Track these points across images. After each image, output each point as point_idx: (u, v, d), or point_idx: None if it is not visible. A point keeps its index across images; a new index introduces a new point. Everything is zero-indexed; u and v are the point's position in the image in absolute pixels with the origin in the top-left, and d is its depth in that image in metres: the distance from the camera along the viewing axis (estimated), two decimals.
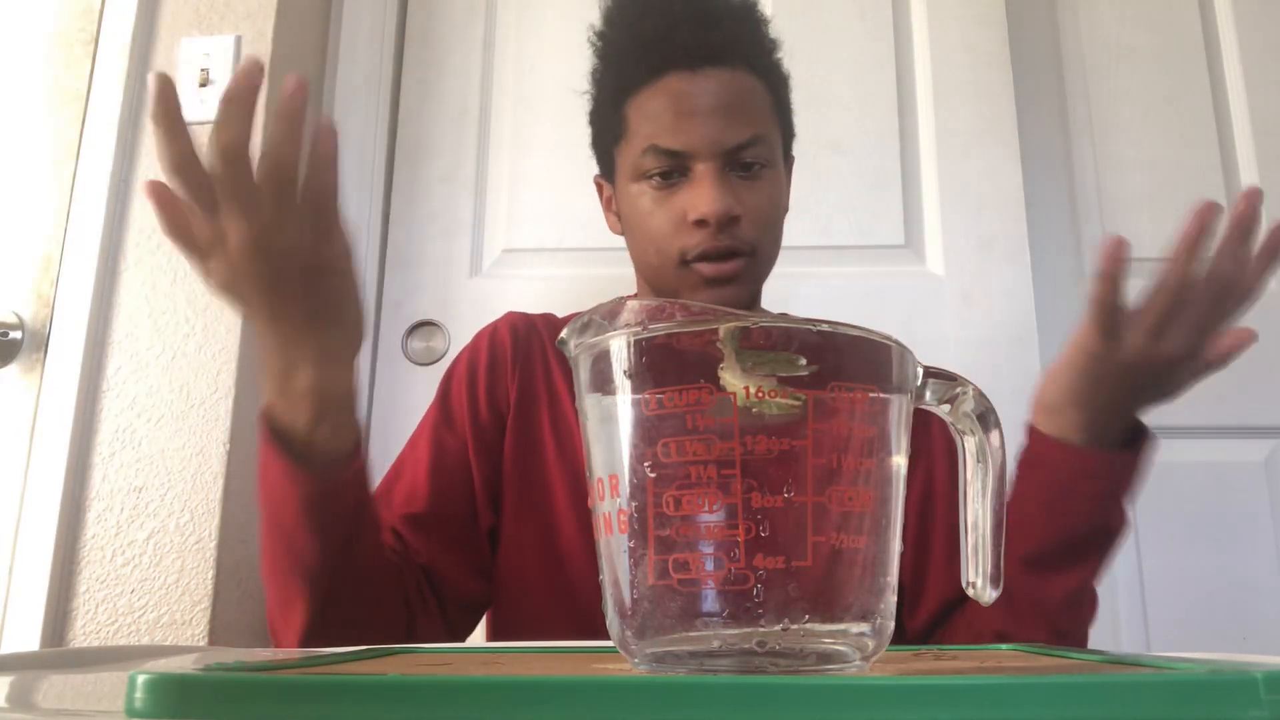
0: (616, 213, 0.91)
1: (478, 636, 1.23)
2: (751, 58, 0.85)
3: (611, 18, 0.89)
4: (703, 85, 0.82)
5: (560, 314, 1.00)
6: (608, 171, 0.92)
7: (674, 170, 0.83)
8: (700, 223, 0.81)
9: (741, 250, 0.83)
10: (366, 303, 0.68)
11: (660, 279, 0.87)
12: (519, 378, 0.91)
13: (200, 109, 1.29)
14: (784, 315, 0.35)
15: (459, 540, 0.85)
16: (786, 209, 0.92)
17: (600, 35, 0.90)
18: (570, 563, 0.85)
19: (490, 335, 0.94)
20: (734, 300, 0.84)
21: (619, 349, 0.33)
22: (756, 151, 0.83)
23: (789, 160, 0.93)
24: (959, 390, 0.37)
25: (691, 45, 0.82)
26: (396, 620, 0.77)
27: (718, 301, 0.80)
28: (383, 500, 0.84)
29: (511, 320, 0.95)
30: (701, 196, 0.81)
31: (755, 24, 0.88)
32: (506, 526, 0.88)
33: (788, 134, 0.91)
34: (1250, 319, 1.47)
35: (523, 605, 0.87)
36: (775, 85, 0.88)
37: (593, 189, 0.96)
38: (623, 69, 0.87)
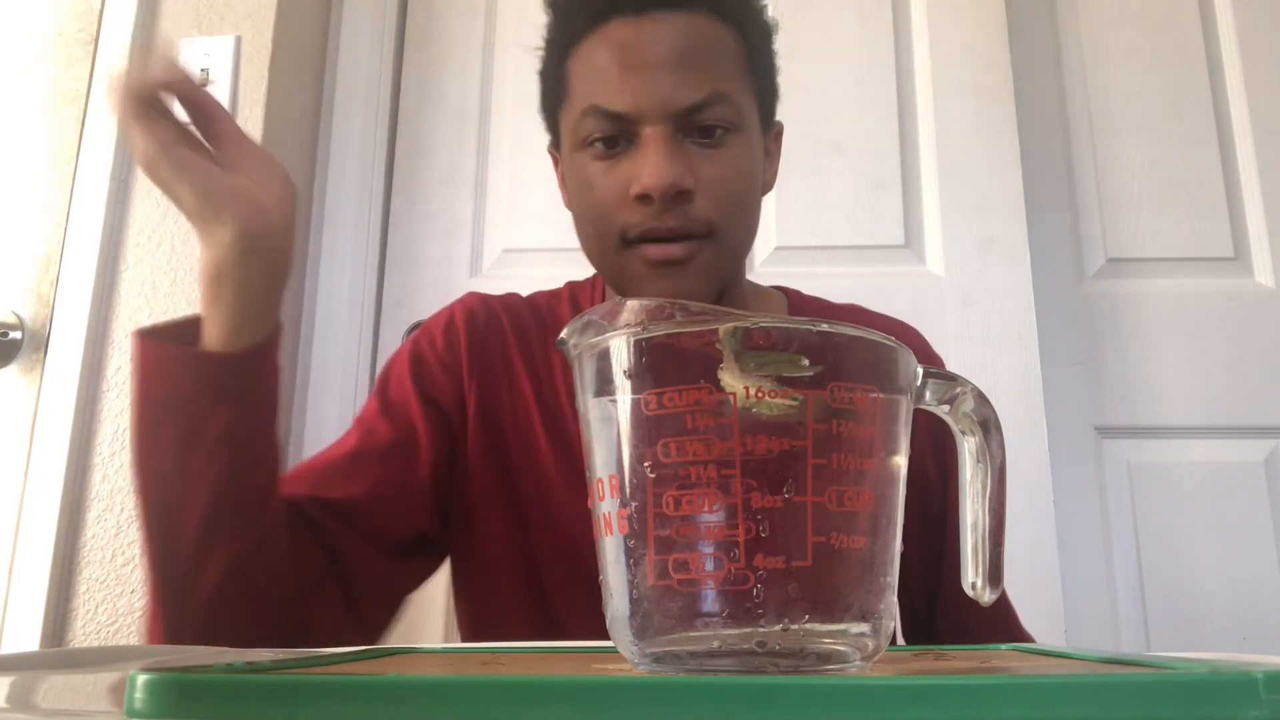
0: (566, 187, 0.80)
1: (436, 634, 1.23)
2: (716, 2, 0.72)
3: None
4: (651, 33, 0.69)
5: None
6: (555, 140, 0.80)
7: (619, 135, 0.70)
8: (643, 197, 0.69)
9: (694, 231, 0.70)
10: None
11: (603, 263, 0.76)
12: (477, 364, 0.82)
13: None
14: (793, 293, 0.34)
15: (375, 532, 0.74)
16: (768, 184, 0.79)
17: None
18: (552, 566, 0.78)
19: (445, 320, 0.84)
20: (689, 293, 0.70)
21: (619, 349, 0.33)
22: (717, 112, 0.70)
23: (771, 126, 0.80)
24: (959, 390, 0.37)
25: None
26: (292, 593, 0.68)
27: (668, 293, 0.67)
28: (301, 475, 0.75)
29: (469, 305, 0.85)
30: (645, 166, 0.68)
31: None
32: (478, 528, 0.81)
33: (767, 94, 0.78)
34: (1250, 319, 1.47)
35: (499, 611, 0.82)
36: (749, 34, 0.75)
37: (543, 77, 0.83)
38: (565, 18, 0.75)
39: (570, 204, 0.79)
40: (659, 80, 0.69)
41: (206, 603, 0.62)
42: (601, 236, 0.73)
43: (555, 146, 0.82)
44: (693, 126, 0.70)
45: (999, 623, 0.81)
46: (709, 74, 0.70)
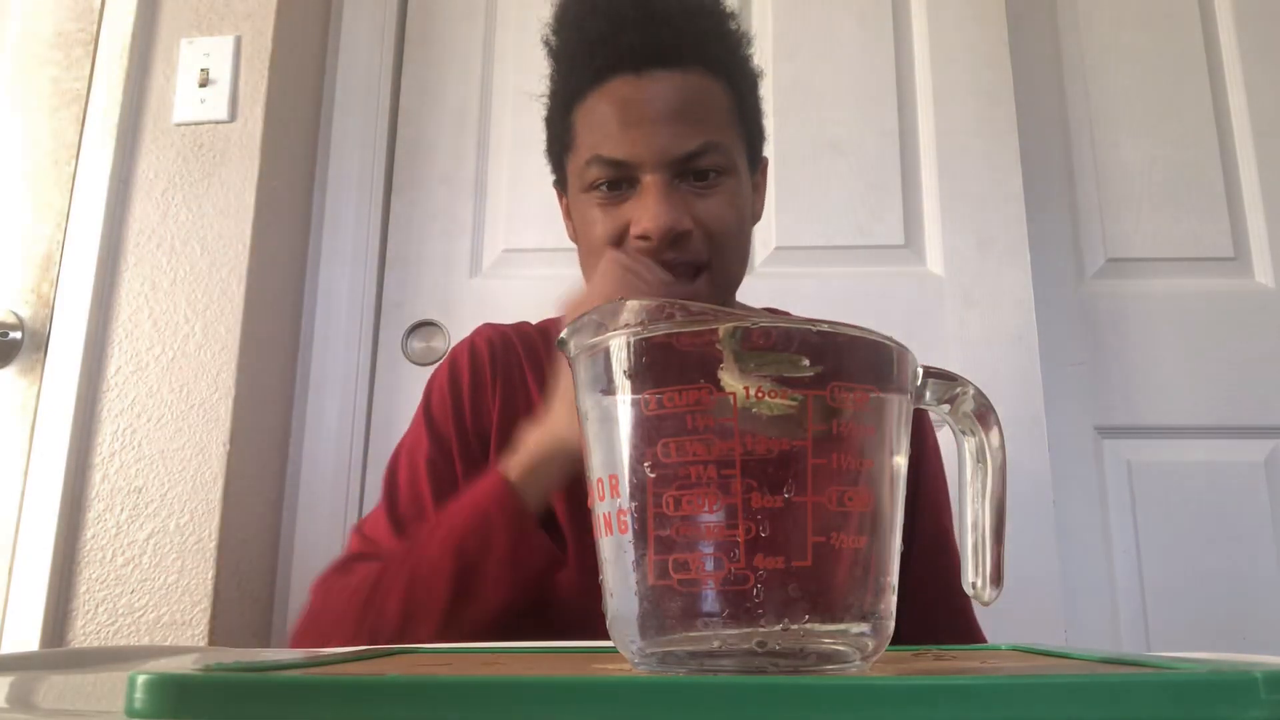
0: (571, 222, 0.87)
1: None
2: (707, 57, 0.78)
3: (560, 17, 0.83)
4: (649, 90, 0.76)
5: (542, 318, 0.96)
6: (561, 181, 0.87)
7: (621, 181, 0.77)
8: (644, 238, 0.75)
9: (692, 260, 0.76)
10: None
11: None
12: (500, 394, 0.87)
13: (200, 109, 1.29)
14: (784, 315, 0.34)
15: None
16: (756, 216, 0.86)
17: (546, 42, 0.85)
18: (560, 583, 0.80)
19: (469, 352, 0.89)
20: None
21: (619, 349, 0.33)
22: (710, 159, 0.76)
23: (759, 164, 0.87)
24: (959, 390, 0.37)
25: (637, 46, 0.76)
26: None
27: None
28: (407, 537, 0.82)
29: (488, 336, 0.91)
30: (645, 210, 0.75)
31: (713, 19, 0.81)
32: None
33: (754, 137, 0.85)
34: (1250, 319, 1.47)
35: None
36: (738, 85, 0.81)
37: (548, 126, 0.91)
38: (570, 73, 0.82)
39: (574, 238, 0.86)
40: (657, 132, 0.75)
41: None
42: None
43: (560, 186, 0.88)
44: (688, 172, 0.77)
45: (957, 620, 0.82)
46: (702, 125, 0.77)
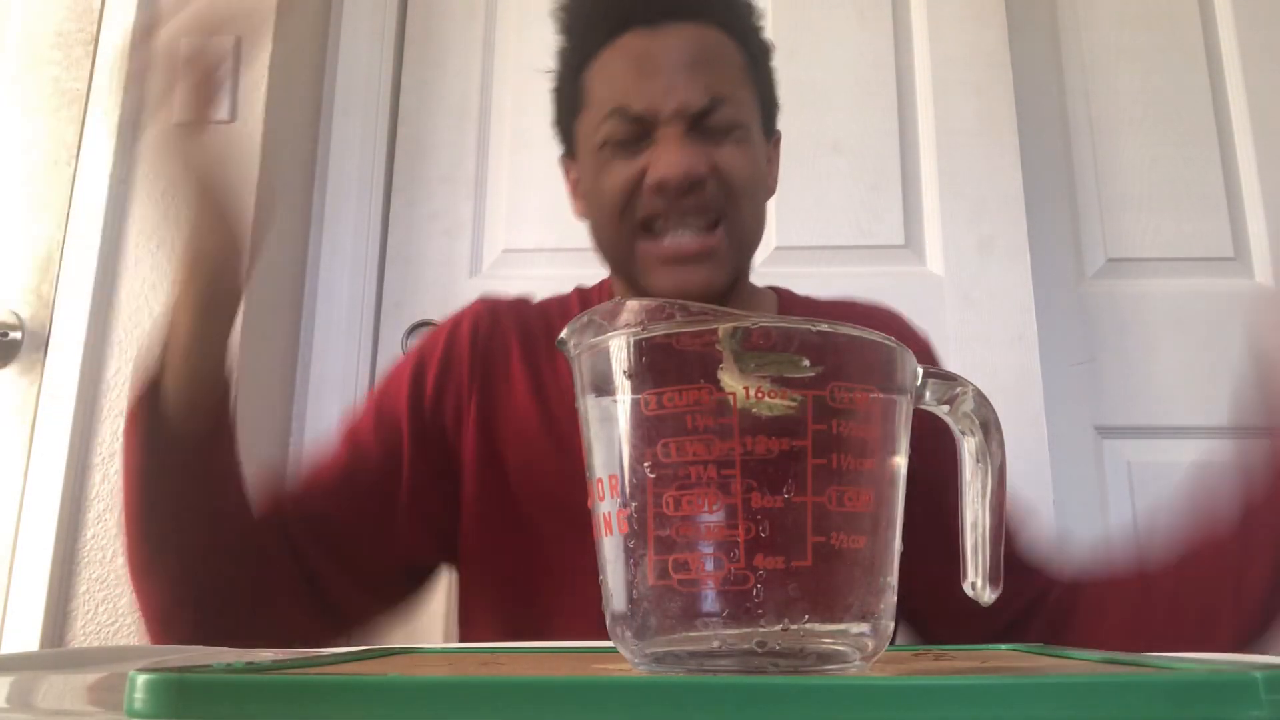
0: (581, 193, 0.84)
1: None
2: (721, 14, 0.79)
3: None
4: (665, 41, 0.76)
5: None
6: (570, 148, 0.86)
7: (637, 136, 0.76)
8: (660, 188, 0.74)
9: (708, 215, 0.75)
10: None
11: (615, 257, 0.80)
12: (479, 389, 0.83)
13: None
14: (787, 294, 0.34)
15: (355, 564, 0.77)
16: (770, 189, 0.85)
17: (561, 6, 0.84)
18: (555, 572, 0.79)
19: (448, 339, 0.86)
20: (705, 283, 0.76)
21: (619, 349, 0.34)
22: (725, 113, 0.76)
23: (772, 135, 0.86)
24: (959, 390, 0.37)
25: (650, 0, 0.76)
26: (256, 599, 0.73)
27: (682, 285, 0.75)
28: (293, 496, 0.78)
29: (476, 317, 0.87)
30: (662, 158, 0.74)
31: None
32: (478, 538, 0.82)
33: (768, 104, 0.84)
34: (1250, 319, 1.47)
35: (501, 618, 0.83)
36: (751, 47, 0.81)
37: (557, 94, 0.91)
38: (583, 33, 0.81)
39: (584, 210, 0.84)
40: (674, 84, 0.75)
41: (162, 585, 0.70)
42: (617, 228, 0.78)
43: (570, 155, 0.86)
44: (704, 125, 0.76)
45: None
46: (718, 79, 0.76)
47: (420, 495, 0.81)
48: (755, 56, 0.81)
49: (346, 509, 0.78)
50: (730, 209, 0.76)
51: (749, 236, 0.81)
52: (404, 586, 0.85)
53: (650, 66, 0.76)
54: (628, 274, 0.80)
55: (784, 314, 0.85)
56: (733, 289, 0.81)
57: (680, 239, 0.75)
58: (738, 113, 0.77)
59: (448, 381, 0.83)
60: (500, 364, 0.84)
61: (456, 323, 0.88)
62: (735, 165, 0.76)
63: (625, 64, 0.77)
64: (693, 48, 0.76)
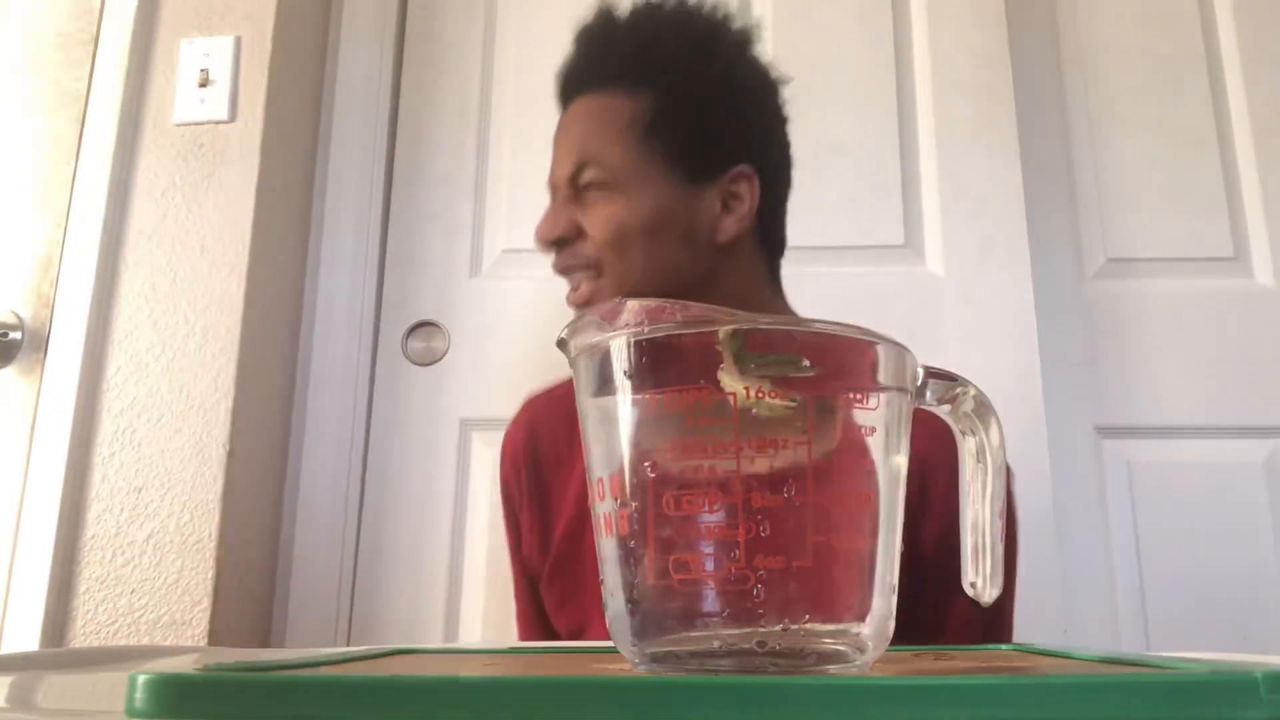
0: None
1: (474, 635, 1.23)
2: (634, 76, 0.84)
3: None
4: (567, 118, 0.87)
5: (560, 315, 1.02)
6: None
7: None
8: (540, 247, 0.87)
9: (580, 265, 0.85)
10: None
11: None
12: (533, 494, 0.94)
13: (200, 109, 1.29)
14: (783, 316, 0.34)
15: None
16: (722, 230, 0.85)
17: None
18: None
19: (508, 453, 0.98)
20: None
21: (619, 349, 0.33)
22: (586, 175, 0.84)
23: (714, 179, 0.85)
24: (959, 390, 0.37)
25: (574, 74, 0.86)
26: None
27: None
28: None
29: (526, 423, 0.98)
30: (540, 220, 0.87)
31: (662, 40, 0.85)
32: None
33: (692, 149, 0.84)
34: (1250, 319, 1.47)
35: None
36: (677, 97, 0.84)
37: None
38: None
39: None
40: (558, 157, 0.87)
41: None
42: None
43: None
44: (578, 188, 0.85)
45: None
46: (587, 146, 0.85)
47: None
48: (675, 106, 0.84)
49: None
50: (606, 259, 0.84)
51: (627, 278, 0.84)
52: None
53: (555, 142, 0.88)
54: None
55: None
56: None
57: (572, 293, 0.87)
58: (603, 173, 0.84)
59: (513, 490, 0.96)
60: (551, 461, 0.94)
61: (508, 433, 0.99)
62: (598, 220, 0.84)
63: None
64: (578, 122, 0.86)
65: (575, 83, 0.87)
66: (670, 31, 0.86)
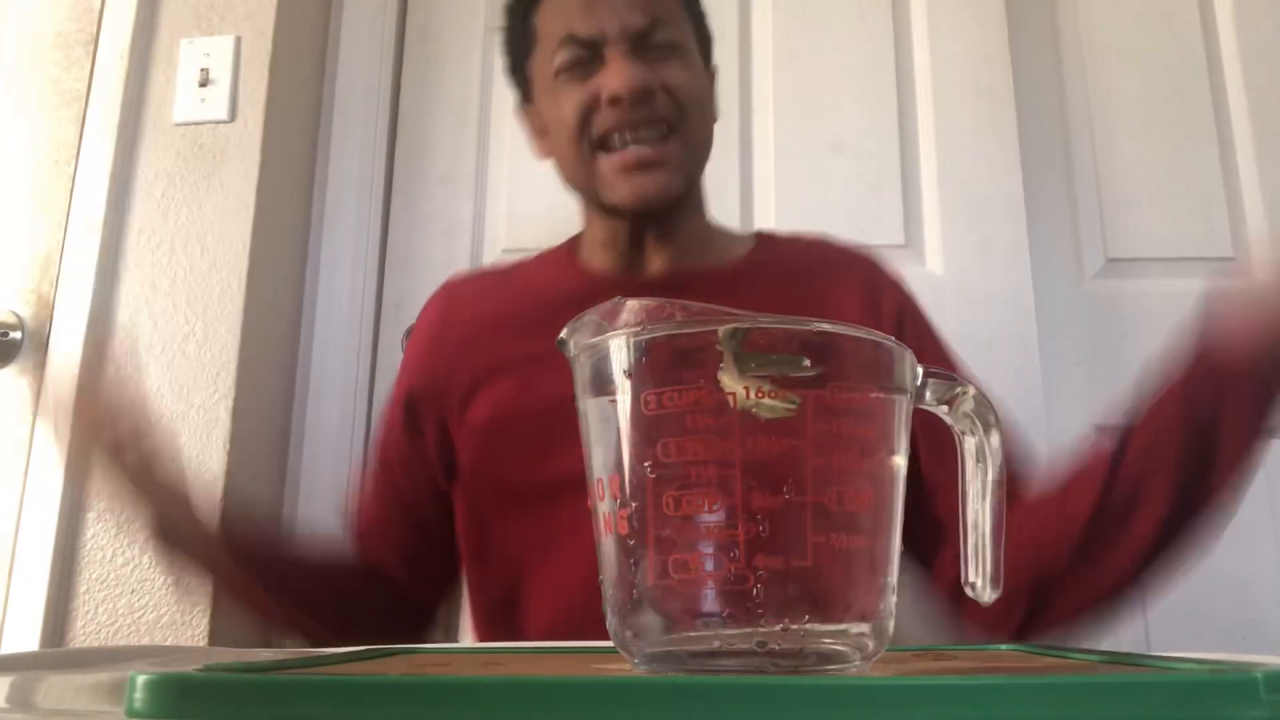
0: (541, 132, 0.91)
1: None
2: None
3: None
4: None
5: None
6: (526, 92, 0.92)
7: (588, 60, 0.84)
8: (615, 101, 0.81)
9: (654, 121, 0.82)
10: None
11: (576, 176, 0.87)
12: (462, 374, 0.91)
13: (200, 109, 1.29)
14: (783, 316, 0.34)
15: (413, 560, 0.92)
16: (714, 115, 0.91)
17: None
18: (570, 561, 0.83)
19: (425, 331, 0.97)
20: (660, 186, 0.83)
21: (619, 349, 0.34)
22: (665, 32, 0.84)
23: (710, 66, 0.92)
24: (959, 390, 0.37)
25: None
26: (382, 616, 0.89)
27: (640, 189, 0.82)
28: (357, 538, 0.93)
29: (446, 299, 0.99)
30: (614, 75, 0.81)
31: None
32: (486, 525, 0.89)
33: (703, 34, 0.91)
34: None
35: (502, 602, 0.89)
36: None
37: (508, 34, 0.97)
38: None
39: (546, 148, 0.91)
40: (615, 7, 0.83)
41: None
42: (577, 149, 0.85)
43: (526, 99, 0.93)
44: (648, 45, 0.83)
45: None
46: (655, 3, 0.84)
47: (435, 490, 0.92)
48: None
49: (392, 551, 0.91)
50: (680, 120, 0.84)
51: (699, 149, 0.88)
52: (450, 568, 0.94)
53: None
54: (591, 193, 0.87)
55: (761, 252, 0.95)
56: (687, 197, 0.89)
57: (638, 150, 0.82)
58: (677, 33, 0.85)
59: (433, 373, 0.93)
60: (484, 341, 0.92)
61: (425, 311, 0.99)
62: (680, 80, 0.84)
63: None
64: None
65: None
66: None
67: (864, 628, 0.33)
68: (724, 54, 1.23)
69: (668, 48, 0.84)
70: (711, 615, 0.31)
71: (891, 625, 0.34)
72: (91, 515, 1.17)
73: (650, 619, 0.32)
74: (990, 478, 0.38)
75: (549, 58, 0.85)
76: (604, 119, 0.82)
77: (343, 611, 0.87)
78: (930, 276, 1.38)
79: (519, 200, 1.46)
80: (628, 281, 0.88)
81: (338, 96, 1.48)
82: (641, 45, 0.83)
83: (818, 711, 0.24)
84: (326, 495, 1.34)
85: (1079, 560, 0.73)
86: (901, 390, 0.35)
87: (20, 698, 0.34)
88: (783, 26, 1.47)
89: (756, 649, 0.31)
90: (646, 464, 0.32)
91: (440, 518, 0.91)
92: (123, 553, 1.16)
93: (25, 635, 1.12)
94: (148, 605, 1.14)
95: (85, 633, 1.14)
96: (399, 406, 0.93)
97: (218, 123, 1.29)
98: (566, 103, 0.84)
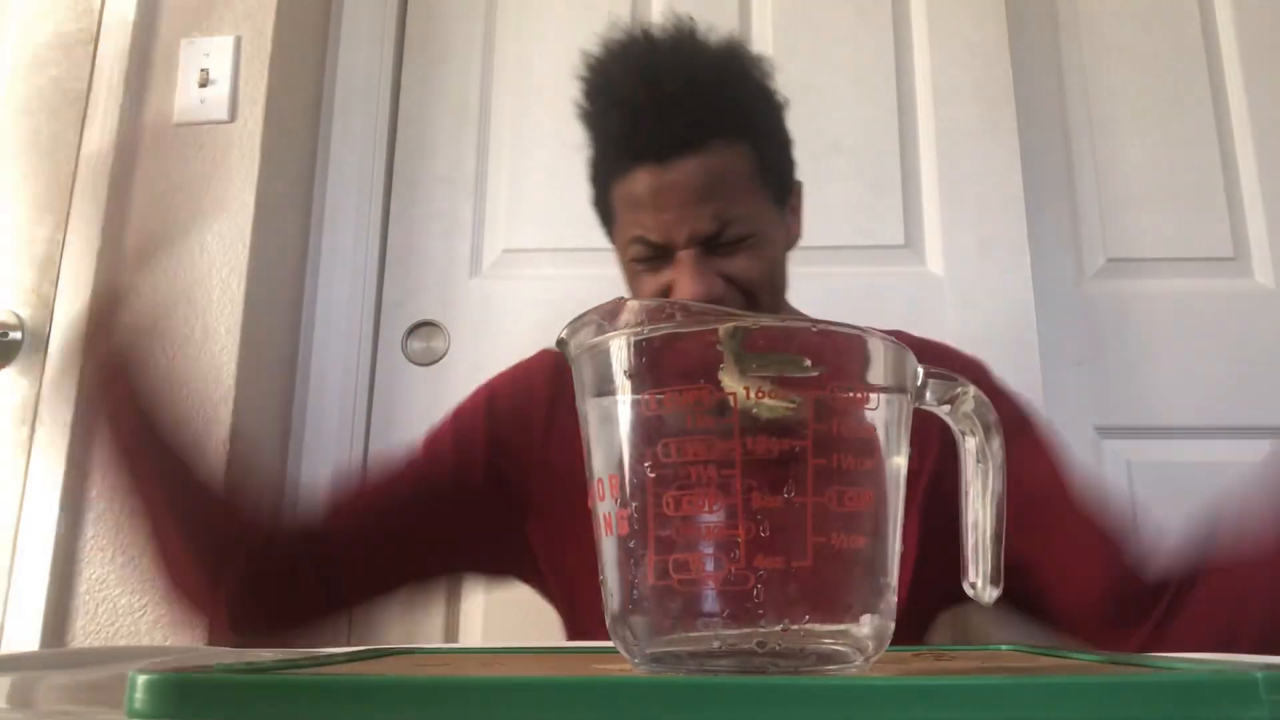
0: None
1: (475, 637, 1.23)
2: (725, 129, 0.84)
3: (585, 98, 0.89)
4: (671, 178, 0.82)
5: (560, 315, 1.02)
6: (609, 237, 0.93)
7: (660, 256, 0.85)
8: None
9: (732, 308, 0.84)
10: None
11: None
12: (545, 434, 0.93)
13: (200, 109, 1.29)
14: (783, 315, 0.34)
15: (393, 557, 0.91)
16: (793, 240, 0.93)
17: (579, 107, 0.90)
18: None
19: (522, 380, 0.98)
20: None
21: (619, 349, 0.33)
22: (733, 230, 0.83)
23: (791, 193, 0.93)
24: (959, 390, 0.37)
25: (654, 139, 0.82)
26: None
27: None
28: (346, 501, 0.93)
29: (545, 366, 0.97)
30: (681, 283, 0.83)
31: (734, 78, 0.87)
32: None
33: (782, 180, 0.91)
34: (1250, 319, 1.47)
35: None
36: (760, 141, 0.87)
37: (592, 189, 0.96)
38: (600, 154, 0.89)
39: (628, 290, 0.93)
40: (684, 217, 0.83)
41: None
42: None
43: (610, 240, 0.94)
44: (717, 244, 0.84)
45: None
46: (725, 202, 0.83)
47: (490, 507, 0.92)
48: (765, 147, 0.87)
49: (414, 509, 0.90)
50: (750, 306, 0.86)
51: (772, 302, 0.90)
52: (415, 589, 0.96)
53: (661, 202, 0.83)
54: None
55: None
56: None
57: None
58: (747, 226, 0.84)
59: (518, 421, 0.94)
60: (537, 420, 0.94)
61: (530, 367, 0.99)
62: (748, 272, 0.85)
63: (640, 198, 0.84)
64: (698, 180, 0.82)
65: (661, 145, 0.83)
66: (729, 79, 0.86)
67: (864, 628, 0.33)
68: None
69: (738, 242, 0.84)
70: (711, 615, 0.31)
71: (892, 625, 0.34)
72: (91, 515, 1.17)
73: (650, 619, 0.32)
74: (990, 477, 0.38)
75: (624, 243, 0.87)
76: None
77: (248, 580, 0.86)
78: (930, 276, 1.38)
79: (519, 200, 1.46)
80: None
81: (338, 96, 1.48)
82: (711, 245, 0.84)
83: (818, 711, 0.24)
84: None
85: None
86: (901, 390, 0.35)
87: (20, 698, 0.34)
88: (783, 26, 1.47)
89: (756, 649, 0.31)
90: (647, 464, 0.32)
91: (415, 543, 0.92)
92: (123, 553, 1.16)
93: (25, 635, 1.12)
94: (148, 605, 1.14)
95: (85, 633, 1.14)
96: (482, 446, 0.95)
97: (218, 123, 1.29)
98: (640, 285, 0.87)
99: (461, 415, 0.97)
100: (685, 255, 0.83)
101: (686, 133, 0.82)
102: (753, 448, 0.31)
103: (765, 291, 0.87)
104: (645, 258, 0.85)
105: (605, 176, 0.88)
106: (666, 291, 0.85)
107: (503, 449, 0.93)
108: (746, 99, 0.87)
